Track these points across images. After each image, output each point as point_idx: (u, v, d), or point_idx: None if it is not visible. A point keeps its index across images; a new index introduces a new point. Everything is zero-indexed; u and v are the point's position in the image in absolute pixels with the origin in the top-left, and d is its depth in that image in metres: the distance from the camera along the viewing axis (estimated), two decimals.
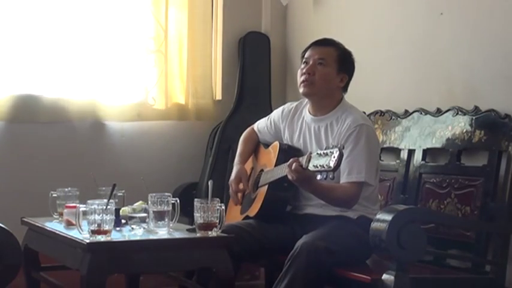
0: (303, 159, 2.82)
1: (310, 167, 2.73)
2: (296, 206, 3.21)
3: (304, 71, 3.15)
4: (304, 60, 3.19)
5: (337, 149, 2.63)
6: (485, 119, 3.07)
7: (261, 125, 3.46)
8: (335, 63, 3.14)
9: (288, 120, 3.31)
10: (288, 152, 3.16)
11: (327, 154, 2.67)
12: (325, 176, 2.67)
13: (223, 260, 2.82)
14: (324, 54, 3.15)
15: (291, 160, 2.86)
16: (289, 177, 2.87)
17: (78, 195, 3.26)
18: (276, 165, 3.15)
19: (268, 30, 4.51)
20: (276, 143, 3.27)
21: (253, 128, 3.50)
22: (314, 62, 3.14)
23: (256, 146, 3.46)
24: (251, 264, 3.99)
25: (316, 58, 3.14)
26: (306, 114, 3.25)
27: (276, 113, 3.40)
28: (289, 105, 3.37)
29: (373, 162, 3.06)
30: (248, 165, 3.43)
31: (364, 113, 3.56)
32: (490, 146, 3.04)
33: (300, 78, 3.17)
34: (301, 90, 3.17)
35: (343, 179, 3.01)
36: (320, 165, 2.67)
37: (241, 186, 3.32)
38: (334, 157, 2.62)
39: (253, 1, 4.52)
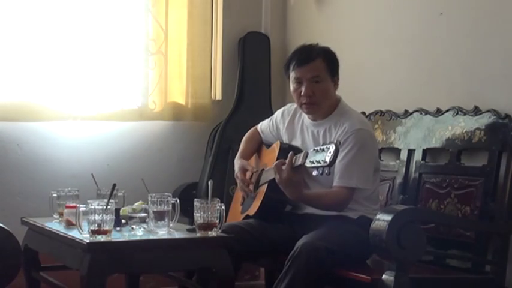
0: (300, 156, 2.83)
1: (307, 163, 2.75)
2: (296, 206, 3.21)
3: (302, 94, 3.09)
4: (295, 80, 3.12)
5: (333, 145, 2.65)
6: (485, 119, 3.07)
7: (263, 125, 3.46)
8: (327, 74, 3.10)
9: (288, 121, 3.30)
10: (289, 151, 3.15)
11: (323, 150, 2.69)
12: (321, 172, 2.69)
13: (223, 260, 2.83)
14: (315, 71, 3.09)
15: (278, 161, 2.87)
16: (276, 179, 2.88)
17: (78, 195, 3.26)
18: None
19: (268, 30, 4.50)
20: (278, 142, 3.27)
21: (256, 129, 3.50)
22: (308, 81, 3.09)
23: (258, 146, 3.46)
24: (251, 264, 3.99)
25: (309, 77, 3.08)
26: (305, 118, 3.24)
27: (277, 114, 3.40)
28: (289, 107, 3.36)
29: (366, 167, 3.05)
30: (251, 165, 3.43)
31: (364, 113, 3.56)
32: (490, 146, 3.03)
33: (298, 100, 3.13)
34: (304, 111, 3.16)
35: (334, 182, 3.02)
36: (316, 161, 2.69)
37: (248, 174, 3.31)
38: (330, 152, 2.63)
39: (253, 1, 4.51)
